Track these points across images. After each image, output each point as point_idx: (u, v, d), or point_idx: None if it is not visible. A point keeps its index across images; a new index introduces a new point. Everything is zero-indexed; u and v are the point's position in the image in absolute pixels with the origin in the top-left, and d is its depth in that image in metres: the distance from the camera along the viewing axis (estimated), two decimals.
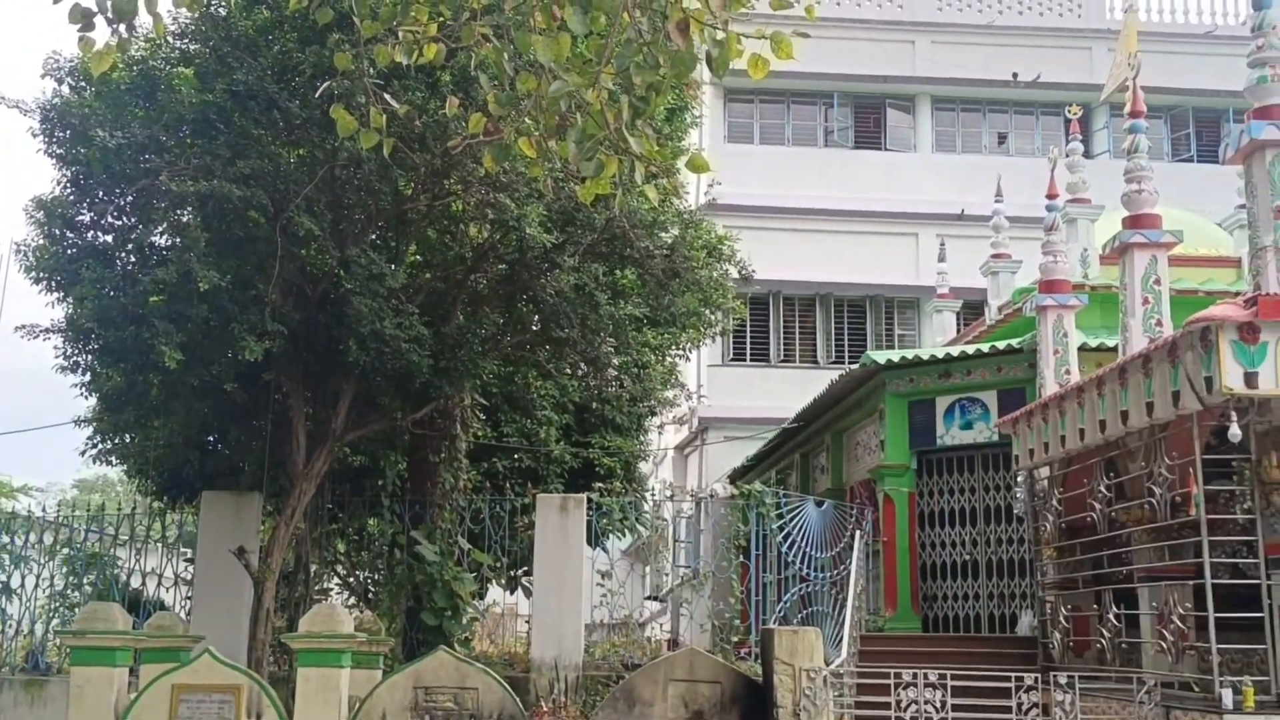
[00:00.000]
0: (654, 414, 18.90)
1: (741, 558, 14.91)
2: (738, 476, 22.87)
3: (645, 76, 6.25)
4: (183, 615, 14.17)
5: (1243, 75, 10.46)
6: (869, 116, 28.77)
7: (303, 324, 12.49)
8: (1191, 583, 10.17)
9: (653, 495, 17.43)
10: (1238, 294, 11.94)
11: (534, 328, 14.33)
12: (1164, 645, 10.42)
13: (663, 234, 13.52)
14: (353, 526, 16.81)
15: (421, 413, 13.96)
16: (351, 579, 17.53)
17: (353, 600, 16.81)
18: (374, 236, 13.34)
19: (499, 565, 15.32)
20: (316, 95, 11.12)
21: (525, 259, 12.75)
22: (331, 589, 17.25)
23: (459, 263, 13.93)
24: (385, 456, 16.26)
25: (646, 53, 6.09)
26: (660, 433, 25.59)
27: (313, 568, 15.69)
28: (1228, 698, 9.18)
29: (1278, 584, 9.29)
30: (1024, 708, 10.15)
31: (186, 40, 12.55)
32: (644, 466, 22.07)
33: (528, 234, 11.91)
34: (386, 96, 7.20)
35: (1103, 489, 11.75)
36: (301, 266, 12.63)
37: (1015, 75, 27.84)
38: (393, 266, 12.37)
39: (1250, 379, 8.89)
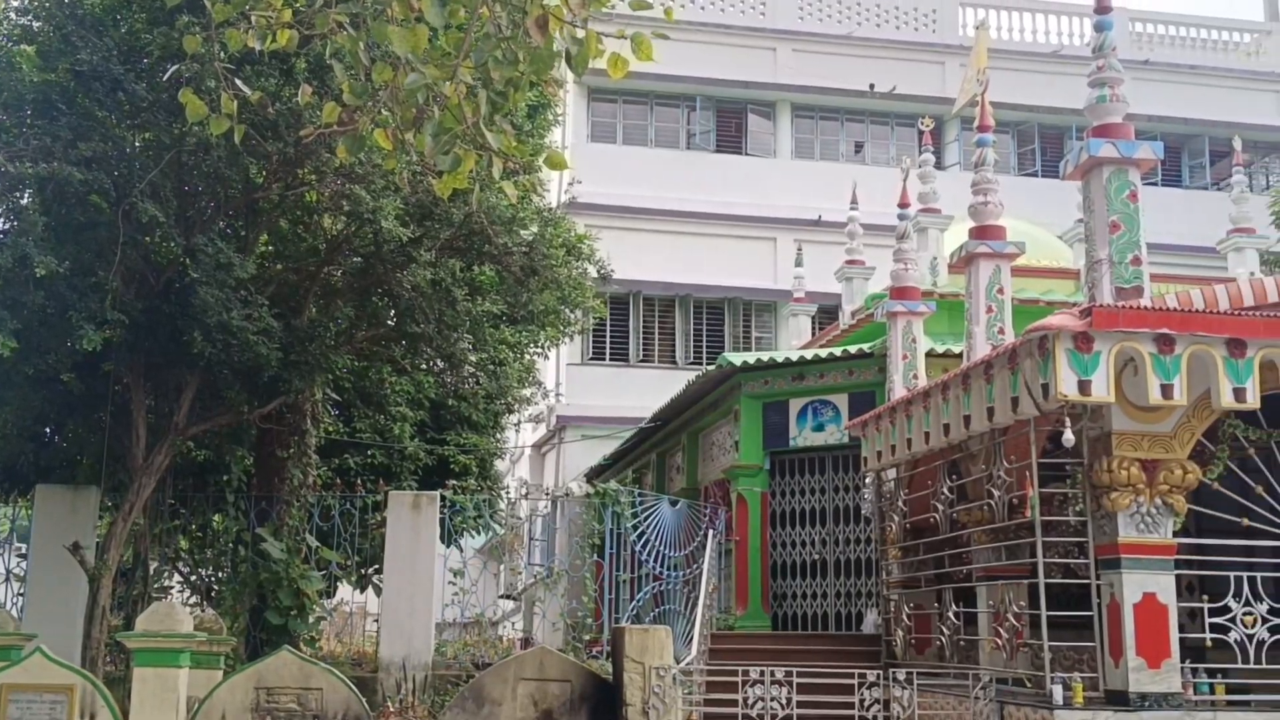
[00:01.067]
0: (511, 412, 18.82)
1: (596, 556, 14.95)
2: (595, 475, 22.94)
3: (504, 72, 6.23)
4: (14, 613, 13.58)
5: (1086, 94, 10.89)
6: (731, 121, 29.13)
7: (145, 313, 12.11)
8: (1026, 582, 10.56)
9: (508, 493, 17.36)
10: (1075, 304, 12.43)
11: (389, 322, 14.14)
12: (999, 642, 10.79)
13: (522, 231, 13.48)
14: (196, 523, 16.35)
15: (270, 407, 13.66)
16: (194, 577, 17.04)
17: (195, 599, 16.33)
18: (223, 225, 13.00)
19: (349, 563, 15.07)
20: (164, 78, 10.79)
21: (381, 253, 12.58)
22: (173, 587, 16.73)
23: (312, 255, 13.66)
24: (231, 451, 15.84)
25: (505, 48, 6.06)
26: (518, 431, 25.54)
27: (152, 565, 15.21)
28: (1058, 694, 9.55)
29: (1106, 584, 9.68)
30: (866, 704, 10.40)
31: (29, 17, 12.06)
32: (500, 465, 21.96)
33: (383, 227, 11.76)
34: (238, 82, 7.01)
35: (945, 491, 12.12)
36: (145, 254, 12.24)
37: (872, 86, 28.52)
38: (242, 256, 12.06)
39: (1084, 386, 9.26)
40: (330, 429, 16.54)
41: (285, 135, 11.39)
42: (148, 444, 12.94)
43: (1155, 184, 29.32)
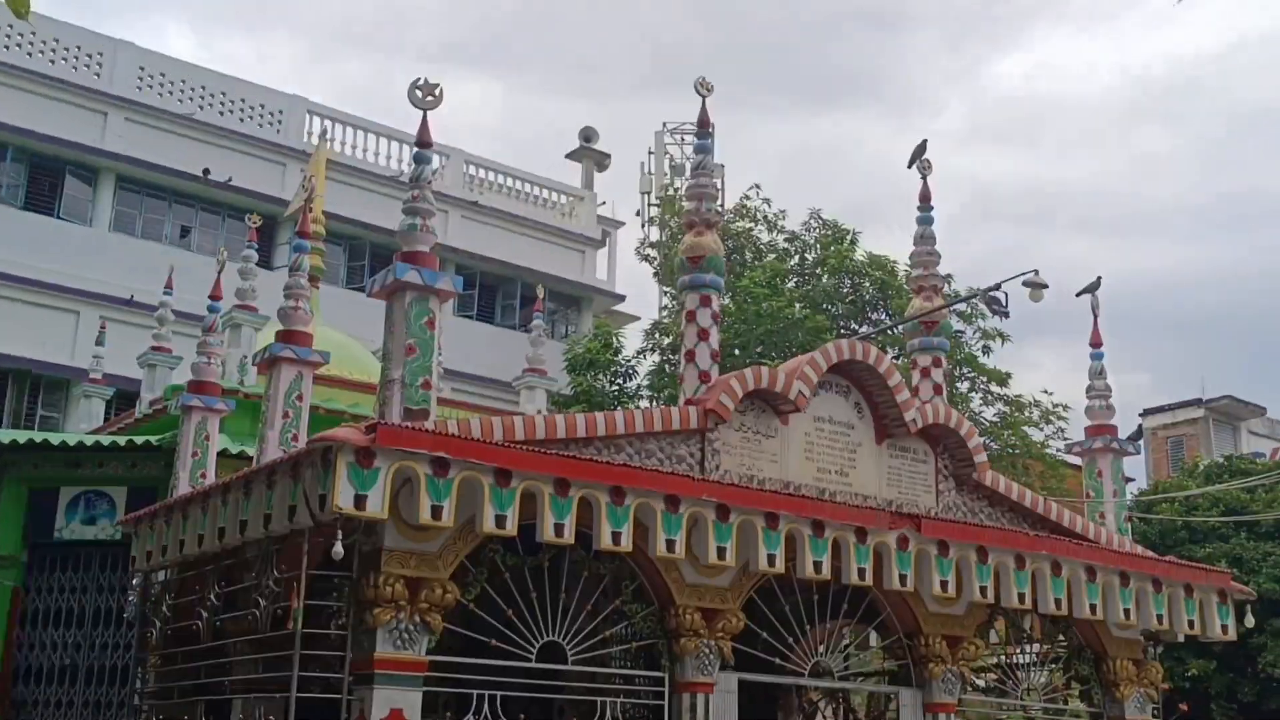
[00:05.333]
0: None
1: None
2: None
3: None
4: None
5: (399, 219, 11.30)
6: (46, 179, 27.00)
7: None
8: (280, 696, 10.36)
9: None
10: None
11: None
12: None
13: None
14: None
15: None
16: None
17: None
18: None
19: None
20: None
21: None
22: None
23: None
24: None
25: None
26: None
27: None
28: None
29: (358, 699, 9.76)
30: None
31: None
32: None
33: None
34: None
35: (213, 598, 11.67)
36: None
37: (207, 171, 27.83)
38: None
39: (360, 501, 9.36)
40: None
41: None
42: None
43: (471, 317, 31.35)
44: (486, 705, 10.29)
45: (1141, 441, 37.13)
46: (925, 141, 14.80)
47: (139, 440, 15.50)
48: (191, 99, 28.57)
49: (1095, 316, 14.86)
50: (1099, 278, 14.86)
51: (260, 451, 12.90)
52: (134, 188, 27.89)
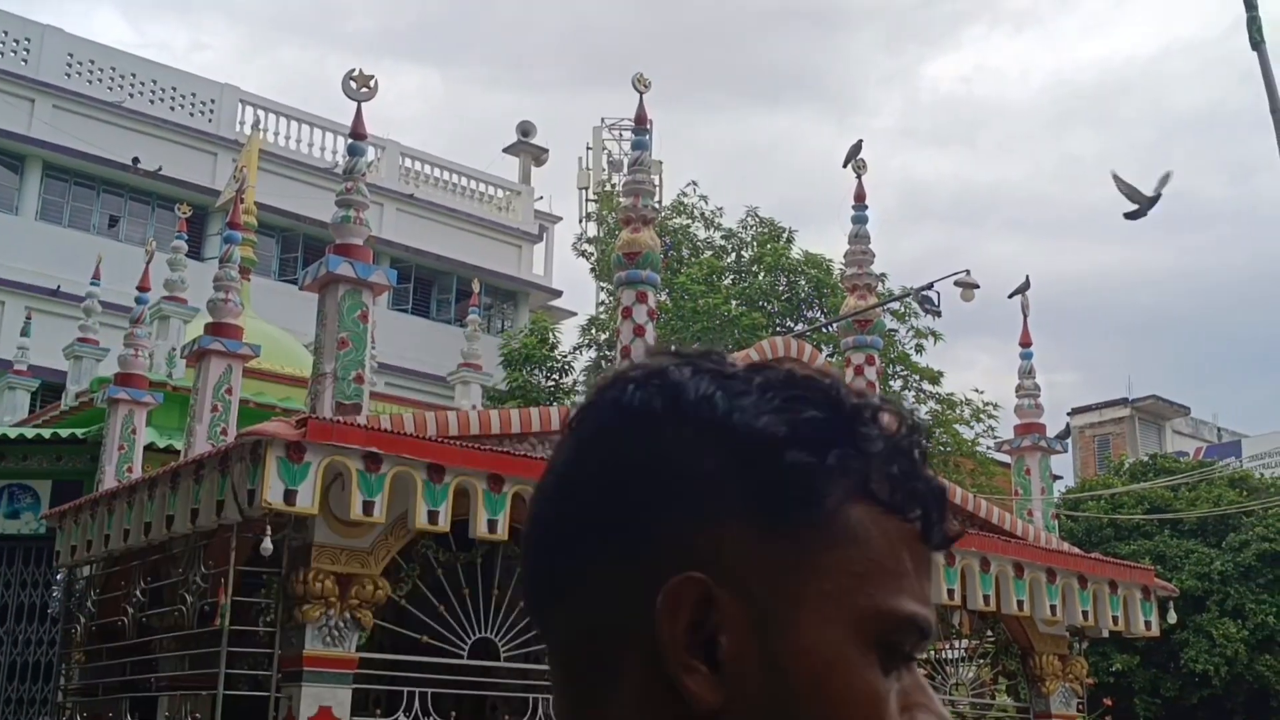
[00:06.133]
0: None
1: None
2: None
3: None
4: None
5: (333, 212, 11.19)
6: None
7: None
8: (207, 693, 10.22)
9: None
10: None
11: None
12: None
13: None
14: None
15: None
16: None
17: None
18: None
19: None
20: None
21: None
22: None
23: None
24: None
25: None
26: None
27: None
28: None
29: (286, 697, 9.65)
30: None
31: None
32: None
33: None
34: None
35: (139, 594, 11.49)
36: None
37: (136, 160, 27.32)
38: None
39: (290, 496, 9.26)
40: None
41: None
42: None
43: (405, 310, 31.10)
44: (418, 702, 10.22)
45: (1069, 440, 37.75)
46: (860, 141, 14.93)
47: (64, 433, 15.22)
48: (121, 87, 28.07)
49: (1025, 317, 15.07)
50: (1028, 278, 15.07)
51: (188, 446, 12.70)
52: (61, 176, 27.32)
